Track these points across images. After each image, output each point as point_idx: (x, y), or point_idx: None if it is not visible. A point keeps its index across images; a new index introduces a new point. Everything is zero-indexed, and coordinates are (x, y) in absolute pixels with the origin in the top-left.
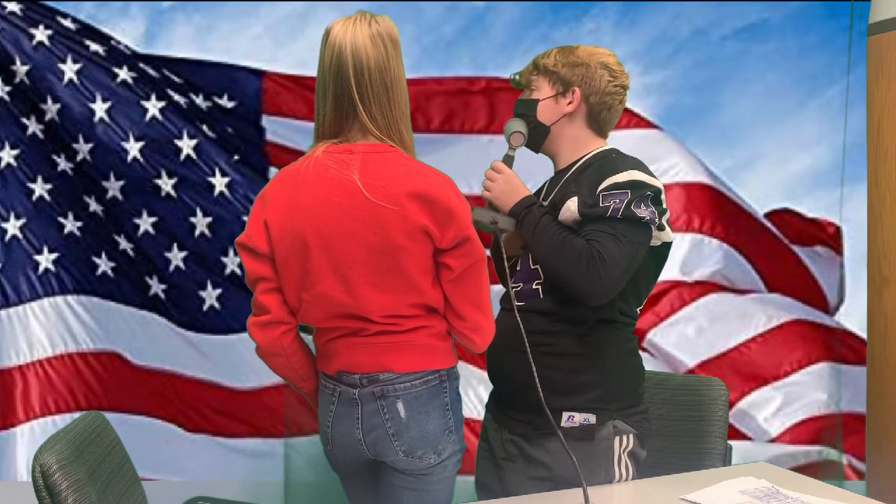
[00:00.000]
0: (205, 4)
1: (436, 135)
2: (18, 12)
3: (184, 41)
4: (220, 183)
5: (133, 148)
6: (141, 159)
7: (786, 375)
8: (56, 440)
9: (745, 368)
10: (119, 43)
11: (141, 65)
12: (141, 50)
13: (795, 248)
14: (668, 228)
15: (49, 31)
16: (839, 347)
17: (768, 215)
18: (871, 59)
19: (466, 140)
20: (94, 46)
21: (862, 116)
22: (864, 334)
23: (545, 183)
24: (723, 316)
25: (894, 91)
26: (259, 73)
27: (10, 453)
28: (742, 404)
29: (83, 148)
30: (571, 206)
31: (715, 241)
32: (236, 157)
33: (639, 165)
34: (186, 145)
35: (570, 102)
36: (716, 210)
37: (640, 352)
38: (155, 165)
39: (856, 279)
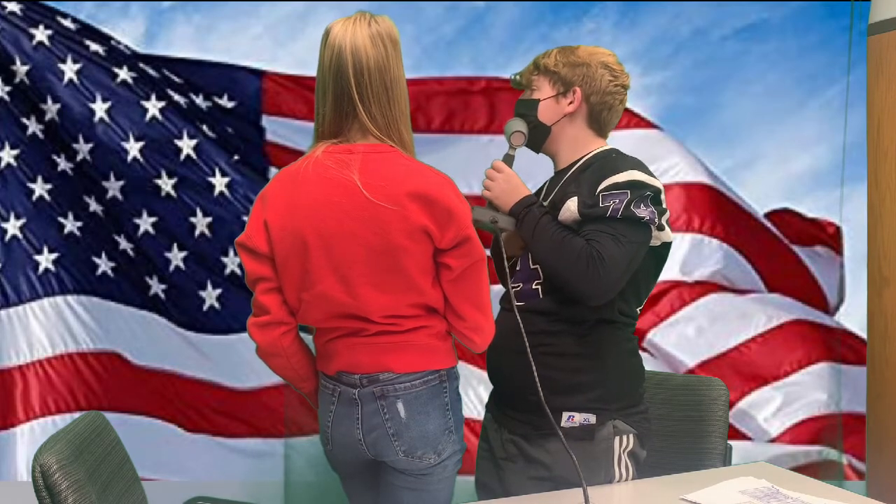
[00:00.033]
0: (205, 4)
1: (436, 135)
2: (18, 12)
3: (184, 41)
4: (220, 183)
5: (133, 148)
6: (141, 159)
7: (786, 375)
8: (56, 440)
9: (745, 368)
10: (119, 43)
11: (141, 65)
12: (141, 50)
13: (795, 248)
14: (667, 228)
15: (49, 31)
16: (839, 347)
17: (768, 215)
18: (871, 59)
19: (466, 140)
20: (94, 46)
21: (862, 116)
22: (864, 334)
23: (545, 183)
24: (723, 316)
25: (894, 91)
26: (259, 73)
27: (10, 453)
28: (742, 404)
29: (83, 148)
30: (571, 206)
31: (715, 241)
32: (236, 157)
33: (639, 165)
34: (186, 145)
35: (571, 102)
36: (716, 210)
37: (640, 352)
38: (155, 165)
39: (856, 279)
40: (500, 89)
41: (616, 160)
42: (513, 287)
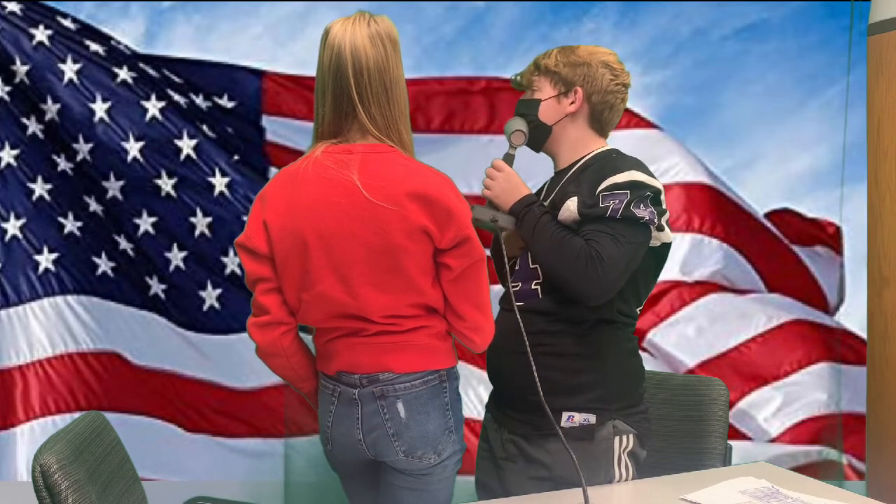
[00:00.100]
0: (205, 4)
1: (436, 135)
2: (18, 12)
3: (184, 41)
4: (220, 183)
5: (133, 148)
6: (141, 159)
7: (786, 375)
8: (56, 440)
9: (745, 368)
10: (119, 43)
11: (141, 65)
12: (141, 50)
13: (795, 248)
14: (667, 229)
15: (49, 31)
16: (839, 347)
17: (768, 215)
18: (871, 59)
19: (466, 140)
20: (94, 46)
21: (862, 116)
22: (864, 334)
23: (546, 183)
24: (723, 316)
25: (894, 91)
26: (259, 73)
27: (10, 453)
28: (742, 404)
29: (83, 148)
30: (571, 206)
31: (715, 241)
32: (236, 157)
33: (639, 166)
34: (186, 145)
35: (572, 102)
36: (716, 210)
37: (640, 352)
38: (155, 165)
39: (856, 279)
40: (500, 89)
41: (616, 160)
42: (512, 287)
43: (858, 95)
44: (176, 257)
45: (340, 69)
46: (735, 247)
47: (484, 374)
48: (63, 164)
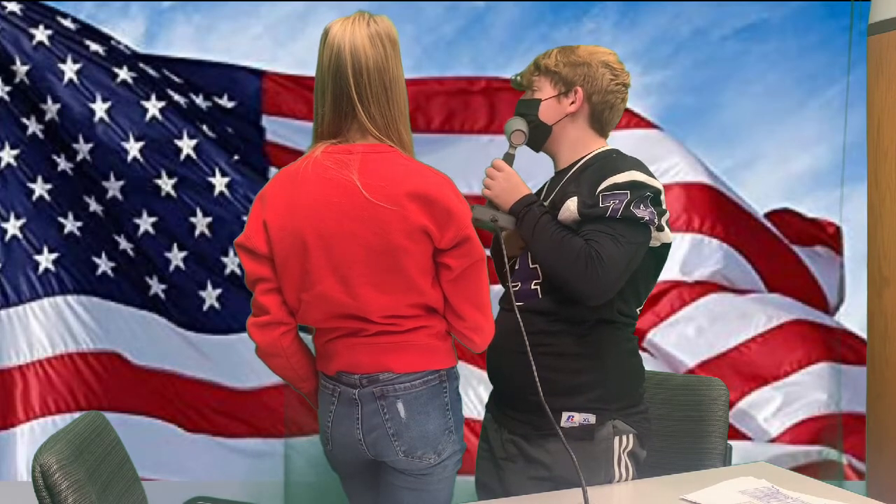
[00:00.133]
0: (205, 4)
1: (436, 135)
2: (18, 12)
3: (184, 41)
4: (220, 183)
5: (133, 148)
6: (141, 159)
7: (786, 375)
8: (56, 440)
9: (745, 368)
10: (119, 43)
11: (141, 65)
12: (141, 50)
13: (795, 248)
14: (667, 229)
15: (49, 31)
16: (839, 347)
17: (768, 215)
18: (871, 59)
19: (466, 140)
20: (94, 46)
21: (862, 116)
22: (864, 334)
23: (546, 183)
24: (723, 316)
25: (894, 91)
26: (259, 73)
27: (10, 453)
28: (742, 404)
29: (83, 148)
30: (571, 206)
31: (715, 241)
32: (236, 157)
33: (639, 166)
34: (186, 145)
35: (572, 102)
36: (716, 210)
37: (640, 352)
38: (155, 165)
39: (856, 279)
40: (500, 89)
41: (616, 160)
42: (512, 287)
43: (858, 95)
44: (176, 257)
45: (340, 69)
46: (735, 247)
47: (484, 374)
48: (63, 164)
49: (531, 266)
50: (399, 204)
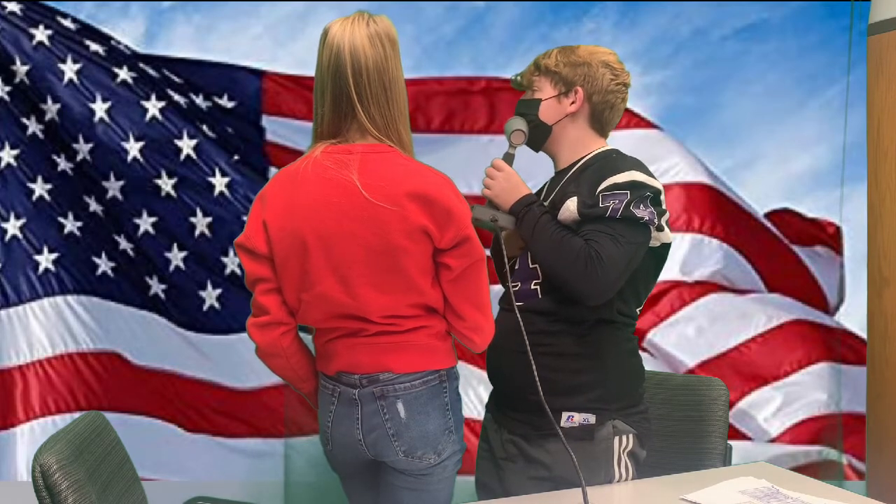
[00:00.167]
0: (205, 4)
1: (436, 135)
2: (18, 12)
3: (184, 41)
4: (220, 183)
5: (133, 148)
6: (141, 159)
7: (786, 375)
8: (56, 440)
9: (745, 368)
10: (119, 43)
11: (141, 65)
12: (141, 50)
13: (795, 248)
14: (667, 229)
15: (49, 31)
16: (839, 347)
17: (768, 215)
18: (871, 59)
19: (466, 140)
20: (94, 46)
21: (862, 116)
22: (864, 334)
23: (546, 183)
24: (723, 316)
25: (894, 91)
26: (259, 73)
27: (10, 453)
28: (742, 404)
29: (83, 148)
30: (571, 206)
31: (715, 241)
32: (236, 157)
33: (639, 166)
34: (186, 145)
35: (572, 102)
36: (716, 210)
37: (640, 352)
38: (155, 165)
39: (856, 279)
40: (500, 89)
41: (616, 160)
42: (512, 286)
43: (858, 95)
44: (176, 257)
45: (339, 69)
46: (735, 247)
47: (484, 374)
48: (63, 164)
49: (531, 266)
50: (399, 204)
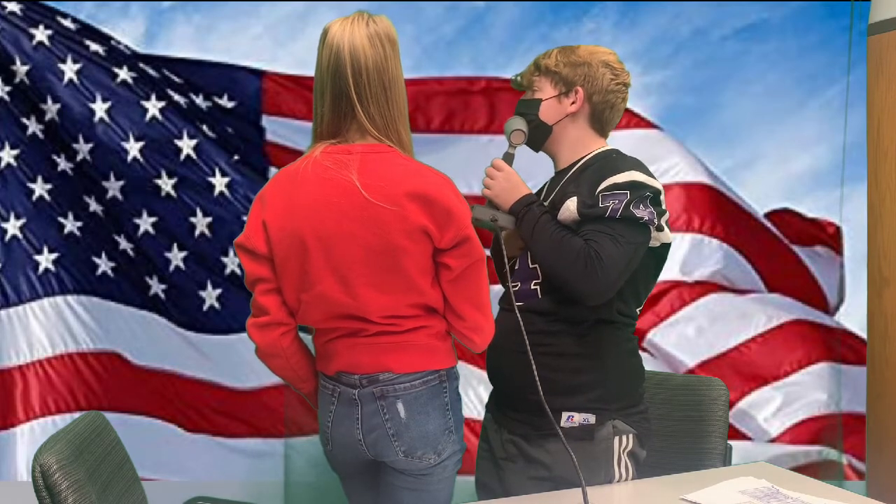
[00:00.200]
0: (205, 4)
1: (436, 135)
2: (18, 12)
3: (184, 41)
4: (220, 183)
5: (133, 148)
6: (141, 159)
7: (786, 375)
8: (56, 440)
9: (745, 368)
10: (119, 43)
11: (141, 65)
12: (141, 50)
13: (795, 248)
14: (667, 229)
15: (49, 31)
16: (839, 347)
17: (768, 215)
18: (871, 59)
19: (466, 140)
20: (94, 46)
21: (862, 116)
22: (864, 334)
23: (546, 183)
24: (723, 316)
25: (894, 91)
26: (259, 73)
27: (10, 453)
28: (742, 404)
29: (83, 148)
30: (571, 206)
31: (715, 241)
32: (236, 157)
33: (639, 166)
34: (186, 145)
35: (573, 102)
36: (716, 210)
37: (640, 352)
38: (155, 165)
39: (856, 279)
40: (500, 89)
41: (616, 160)
42: (512, 287)
43: (858, 95)
44: (176, 257)
45: (339, 69)
46: (735, 247)
47: (484, 374)
48: (63, 164)
49: (531, 266)
50: (398, 204)
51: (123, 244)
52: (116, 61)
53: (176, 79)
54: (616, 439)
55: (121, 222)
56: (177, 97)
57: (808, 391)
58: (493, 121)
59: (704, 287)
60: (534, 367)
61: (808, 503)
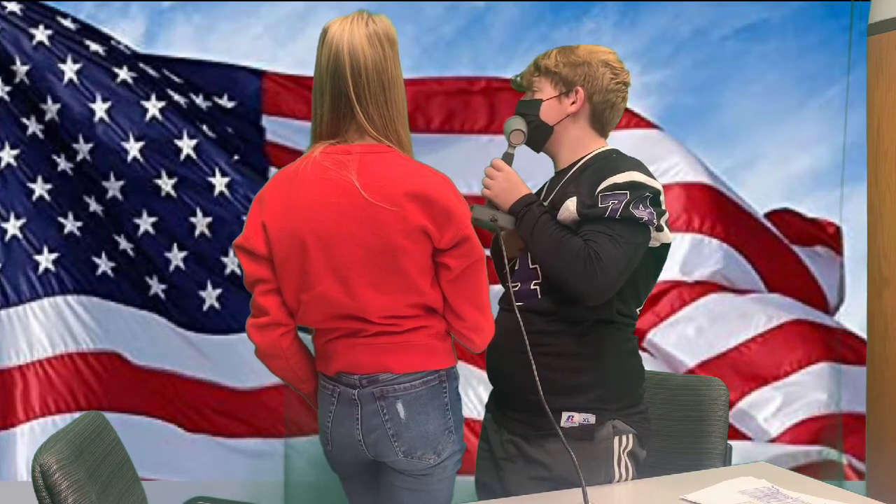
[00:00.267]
0: (205, 4)
1: (436, 135)
2: (18, 12)
3: (184, 41)
4: (220, 183)
5: (133, 148)
6: (141, 159)
7: (786, 375)
8: (56, 440)
9: (745, 368)
10: (119, 43)
11: (141, 65)
12: (141, 50)
13: (795, 248)
14: (666, 230)
15: (49, 31)
16: (839, 347)
17: (768, 215)
18: (871, 59)
19: (466, 140)
20: (94, 46)
21: (862, 116)
22: (864, 334)
23: (546, 183)
24: (723, 316)
25: (894, 91)
26: (259, 73)
27: (10, 453)
28: (742, 404)
29: (83, 148)
30: (570, 207)
31: (715, 241)
32: (236, 157)
33: (638, 166)
34: (186, 145)
35: (573, 102)
36: (716, 210)
37: (640, 352)
38: (155, 165)
39: (856, 279)
40: (500, 89)
41: (616, 160)
42: (512, 286)
43: (858, 95)
44: (176, 257)
45: (338, 69)
46: (735, 247)
47: (484, 374)
48: (63, 164)
49: (531, 266)
50: (398, 204)
51: (123, 244)
52: (116, 61)
53: (176, 79)
54: (616, 439)
55: (121, 222)
56: (177, 97)
57: (808, 391)
58: (492, 121)
59: (704, 287)
60: (534, 367)
61: (808, 503)
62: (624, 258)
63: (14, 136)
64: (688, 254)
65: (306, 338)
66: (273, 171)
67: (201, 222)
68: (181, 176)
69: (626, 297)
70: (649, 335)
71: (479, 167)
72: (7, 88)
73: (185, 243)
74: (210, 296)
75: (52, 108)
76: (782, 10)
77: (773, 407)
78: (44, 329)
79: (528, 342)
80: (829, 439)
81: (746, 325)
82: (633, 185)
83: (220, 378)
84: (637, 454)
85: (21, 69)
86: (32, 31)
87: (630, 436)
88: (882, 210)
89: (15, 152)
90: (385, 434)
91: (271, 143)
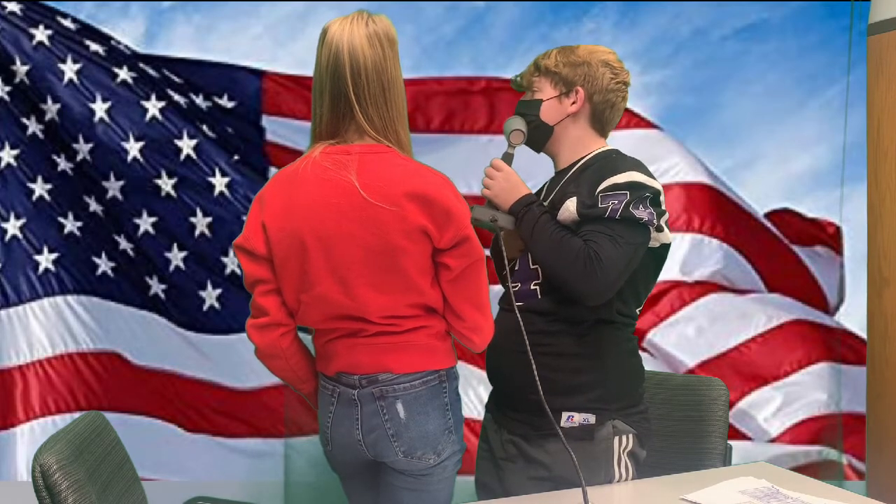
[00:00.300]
0: (205, 4)
1: (436, 135)
2: (18, 12)
3: (184, 41)
4: (220, 183)
5: (133, 148)
6: (141, 159)
7: (786, 375)
8: (56, 440)
9: (745, 368)
10: (119, 43)
11: (141, 65)
12: (141, 50)
13: (795, 248)
14: (666, 230)
15: (49, 31)
16: (839, 347)
17: (768, 215)
18: (871, 59)
19: (466, 140)
20: (94, 46)
21: (862, 116)
22: (864, 334)
23: (546, 183)
24: (723, 316)
25: (894, 91)
26: (259, 73)
27: (10, 453)
28: (742, 404)
29: (83, 148)
30: (570, 207)
31: (715, 241)
32: (236, 157)
33: (638, 166)
34: (186, 145)
35: (573, 102)
36: (716, 210)
37: (640, 352)
38: (155, 165)
39: (856, 279)
40: (500, 89)
41: (616, 161)
42: (512, 287)
43: (858, 95)
44: (176, 257)
45: (338, 69)
46: (735, 247)
47: (484, 374)
48: (63, 164)
49: (531, 266)
50: (397, 204)
51: (123, 244)
52: (116, 61)
53: (176, 79)
54: (616, 439)
55: (121, 222)
56: (177, 97)
57: (808, 391)
58: (492, 121)
59: (704, 287)
60: (534, 367)
61: (808, 503)
62: (624, 258)
63: (14, 136)
64: (688, 254)
65: (306, 338)
66: (273, 171)
67: (201, 222)
68: (181, 176)
69: (626, 297)
70: (649, 335)
71: (479, 167)
72: (7, 88)
73: (185, 243)
74: (210, 296)
75: (52, 108)
76: (782, 10)
77: (773, 407)
78: (44, 329)
79: (528, 342)
80: (829, 439)
81: (746, 325)
82: (633, 186)
83: (220, 378)
84: (637, 454)
85: (21, 69)
86: (32, 31)
87: (630, 436)
88: (882, 210)
89: (15, 152)
90: (385, 434)
91: (271, 143)
